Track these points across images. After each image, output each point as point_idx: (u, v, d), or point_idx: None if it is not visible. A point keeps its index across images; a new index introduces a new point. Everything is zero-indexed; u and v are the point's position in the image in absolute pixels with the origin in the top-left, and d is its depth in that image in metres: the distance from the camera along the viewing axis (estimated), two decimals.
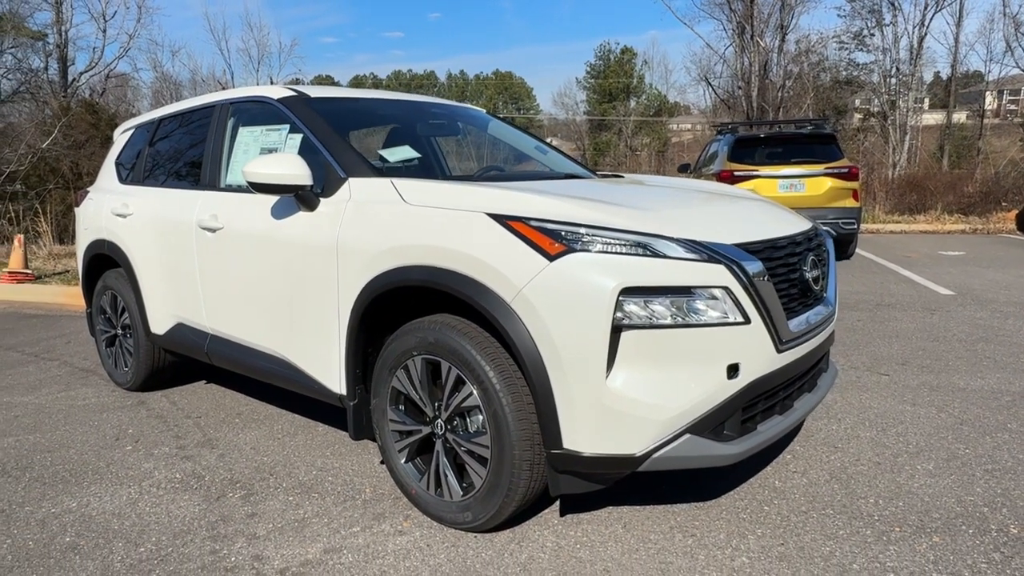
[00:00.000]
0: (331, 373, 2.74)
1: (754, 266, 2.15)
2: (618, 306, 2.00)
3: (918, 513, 2.44)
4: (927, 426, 3.27)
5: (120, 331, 4.17)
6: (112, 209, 4.00)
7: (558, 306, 2.04)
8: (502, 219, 2.18)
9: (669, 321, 2.04)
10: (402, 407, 2.53)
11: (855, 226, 8.43)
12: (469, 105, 4.22)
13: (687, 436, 2.09)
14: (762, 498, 2.59)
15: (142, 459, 3.17)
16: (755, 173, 8.25)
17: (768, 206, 2.85)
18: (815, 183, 8.36)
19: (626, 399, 2.03)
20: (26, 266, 8.53)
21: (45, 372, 4.76)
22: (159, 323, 3.76)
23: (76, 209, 4.48)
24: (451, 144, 4.02)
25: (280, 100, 3.13)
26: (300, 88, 3.23)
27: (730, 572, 2.13)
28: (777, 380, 2.28)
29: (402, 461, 2.56)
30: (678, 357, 2.07)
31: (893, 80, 25.18)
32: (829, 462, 2.89)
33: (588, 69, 65.55)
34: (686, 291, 2.05)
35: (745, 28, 25.70)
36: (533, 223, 2.14)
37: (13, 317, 6.96)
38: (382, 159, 2.93)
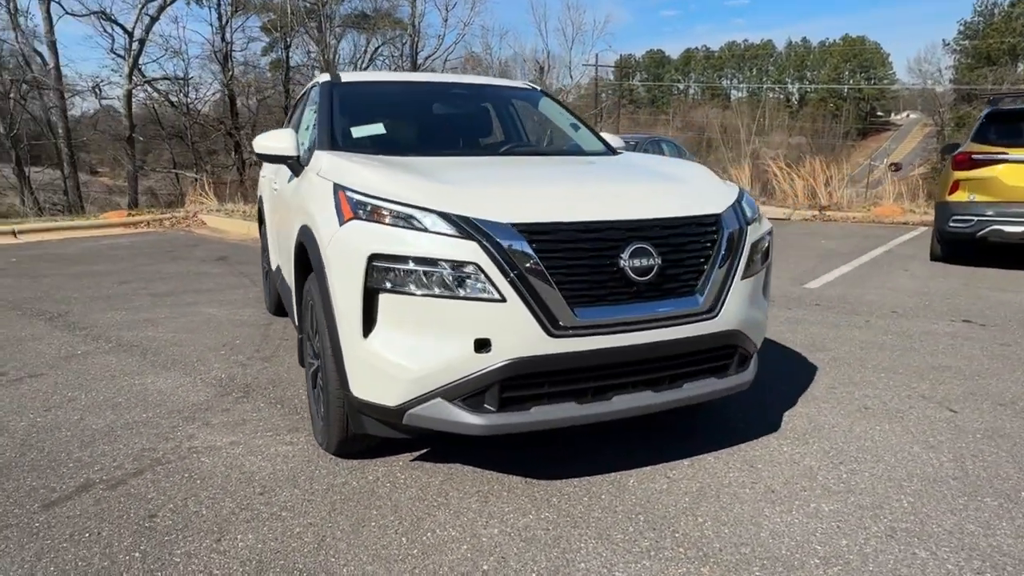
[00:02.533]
0: (293, 311, 3.37)
1: (517, 246, 2.17)
2: (371, 271, 2.23)
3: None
4: None
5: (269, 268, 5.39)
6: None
7: (339, 266, 2.35)
8: (336, 188, 2.52)
9: (418, 290, 2.20)
10: (309, 342, 3.03)
11: None
12: (521, 84, 4.40)
13: (437, 400, 2.24)
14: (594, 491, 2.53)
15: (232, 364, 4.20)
16: (1001, 156, 6.53)
17: (649, 186, 2.72)
18: None
19: (378, 356, 2.26)
20: None
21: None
22: (272, 263, 4.81)
23: None
24: (504, 120, 4.26)
25: (321, 84, 3.79)
26: (341, 74, 3.85)
27: (475, 537, 2.23)
28: (561, 365, 2.24)
29: (312, 388, 3.07)
30: (426, 325, 2.22)
31: None
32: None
33: (961, 29, 55.14)
34: (435, 263, 2.18)
35: None
36: (348, 192, 2.45)
37: None
38: (348, 135, 3.40)
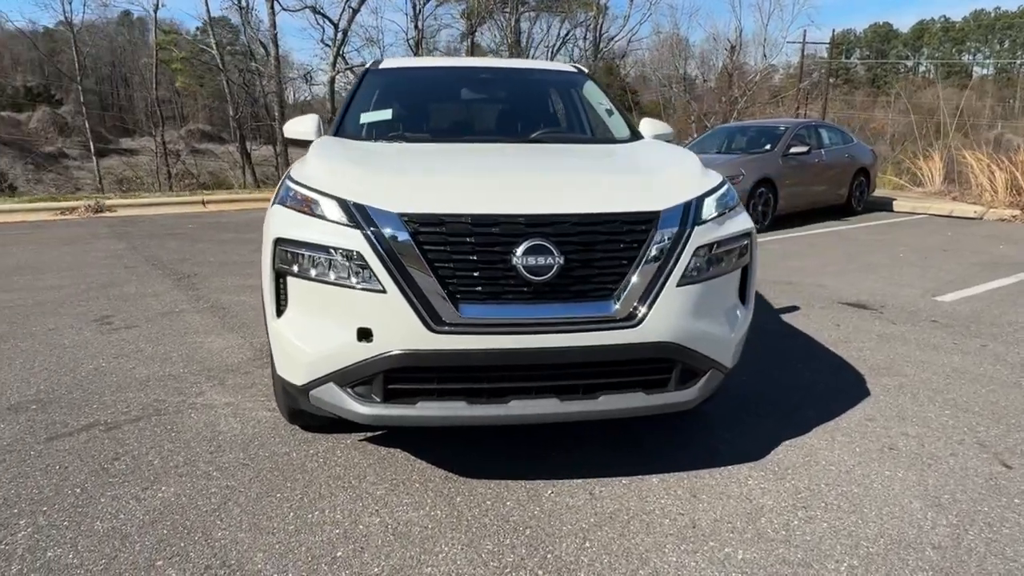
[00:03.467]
0: None
1: (400, 236, 2.13)
2: (277, 254, 2.32)
3: None
4: None
5: None
6: None
7: (263, 249, 2.47)
8: (288, 177, 2.64)
9: (314, 275, 2.25)
10: None
11: None
12: (566, 67, 4.19)
13: (330, 384, 2.28)
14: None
15: None
16: None
17: (581, 178, 2.52)
18: None
19: (285, 337, 2.35)
20: None
21: None
22: None
23: None
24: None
25: (364, 70, 3.95)
26: (386, 60, 3.99)
27: (353, 524, 2.26)
28: (443, 362, 2.18)
29: None
30: (321, 310, 2.26)
31: None
32: None
33: None
34: (326, 250, 2.21)
35: None
36: (288, 178, 2.55)
37: None
38: (356, 120, 3.49)
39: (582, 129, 3.76)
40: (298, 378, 2.35)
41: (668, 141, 3.73)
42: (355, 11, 25.09)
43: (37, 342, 4.18)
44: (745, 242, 2.51)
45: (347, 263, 2.18)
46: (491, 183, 2.41)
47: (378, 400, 2.24)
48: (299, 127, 3.44)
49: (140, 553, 2.09)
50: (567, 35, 30.55)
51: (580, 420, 2.33)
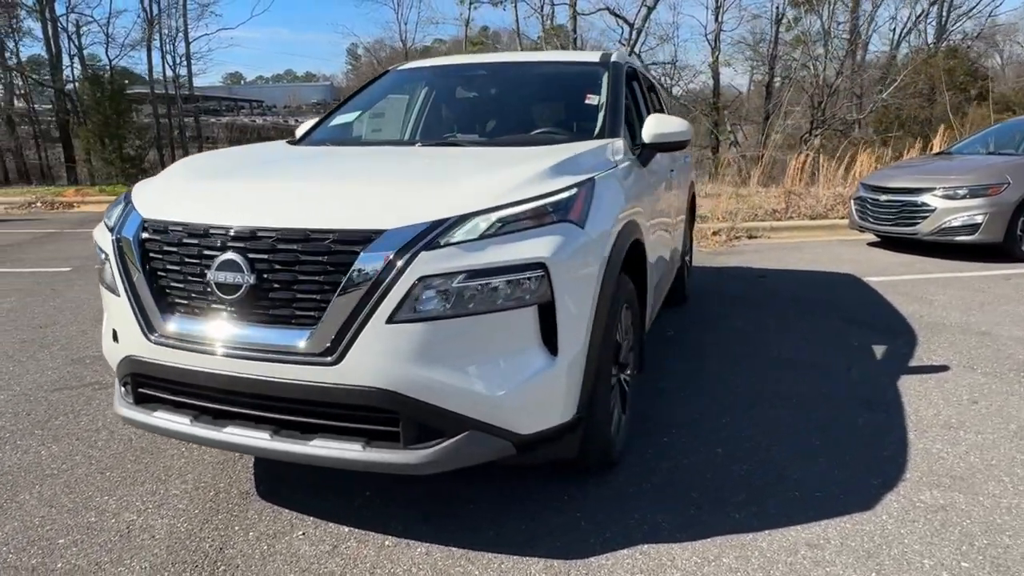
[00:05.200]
0: None
1: (132, 242, 2.14)
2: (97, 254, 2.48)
3: None
4: None
5: None
6: None
7: None
8: None
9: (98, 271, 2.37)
10: None
11: None
12: (589, 56, 3.55)
13: (117, 379, 2.37)
14: None
15: None
16: None
17: (350, 185, 2.23)
18: None
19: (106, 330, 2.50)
20: None
21: None
22: None
23: None
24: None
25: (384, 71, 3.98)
26: (409, 63, 3.95)
27: (100, 514, 2.33)
28: (153, 373, 2.13)
29: None
30: (105, 307, 2.37)
31: None
32: None
33: None
34: (101, 251, 2.30)
35: None
36: None
37: None
38: (327, 124, 3.44)
39: (567, 127, 3.21)
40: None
41: (676, 143, 3.02)
42: (650, 9, 24.89)
43: None
44: (531, 274, 1.91)
45: (104, 264, 2.25)
46: (257, 192, 2.23)
47: (131, 402, 2.26)
48: (300, 130, 3.59)
49: None
50: (920, 15, 25.80)
51: (294, 462, 2.04)
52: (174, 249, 2.07)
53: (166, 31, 27.66)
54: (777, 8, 25.43)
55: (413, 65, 3.86)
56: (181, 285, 2.06)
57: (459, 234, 1.89)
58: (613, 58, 3.52)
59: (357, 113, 3.49)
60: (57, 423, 3.06)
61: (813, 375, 3.63)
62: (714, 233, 8.49)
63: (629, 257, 2.64)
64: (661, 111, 4.90)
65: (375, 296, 1.83)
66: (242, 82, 65.25)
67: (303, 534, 2.20)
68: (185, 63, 28.60)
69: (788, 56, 26.68)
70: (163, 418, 2.17)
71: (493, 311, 1.90)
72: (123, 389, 2.30)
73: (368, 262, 1.85)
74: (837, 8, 24.39)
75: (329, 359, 1.87)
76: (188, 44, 28.28)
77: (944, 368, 3.74)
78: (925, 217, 6.86)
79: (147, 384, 2.21)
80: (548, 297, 1.95)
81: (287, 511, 2.33)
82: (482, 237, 1.90)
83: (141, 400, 2.24)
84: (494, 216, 1.93)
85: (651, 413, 3.13)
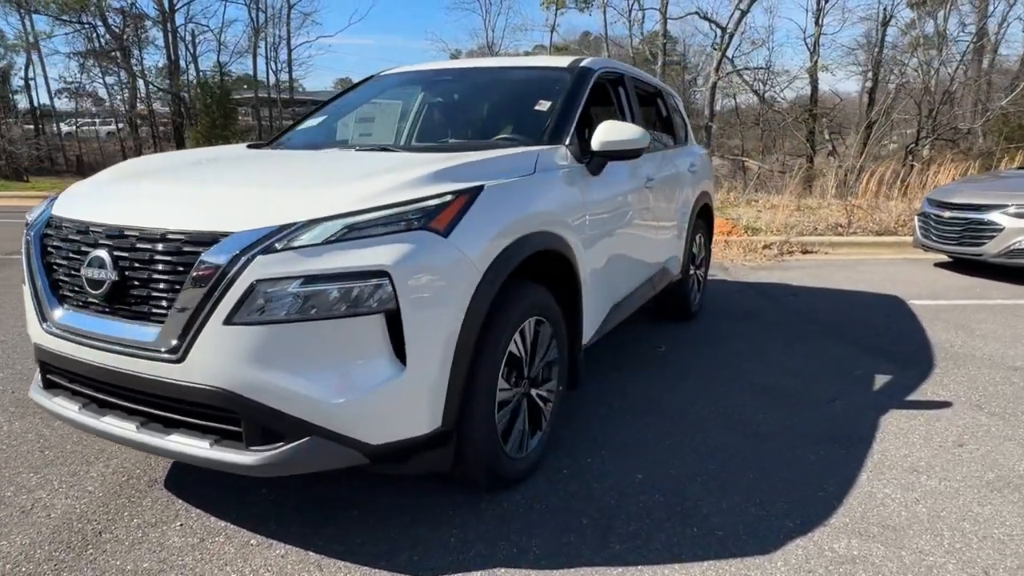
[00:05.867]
0: None
1: (37, 235, 2.28)
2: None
3: None
4: None
5: None
6: None
7: None
8: None
9: None
10: None
11: None
12: (557, 62, 3.42)
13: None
14: None
15: None
16: None
17: (216, 188, 2.27)
18: None
19: None
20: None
21: None
22: None
23: None
24: None
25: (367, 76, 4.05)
26: (398, 67, 3.99)
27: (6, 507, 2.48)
28: (45, 359, 2.25)
29: None
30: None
31: None
32: None
33: None
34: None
35: None
36: None
37: None
38: (294, 128, 3.52)
39: (523, 133, 3.12)
40: None
41: (628, 151, 2.90)
42: (744, 12, 24.02)
43: None
44: (375, 282, 1.88)
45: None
46: (141, 193, 2.32)
47: (41, 387, 2.40)
48: None
49: None
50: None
51: (154, 455, 2.10)
52: (62, 244, 2.20)
53: (270, 39, 29.45)
54: (885, 9, 23.83)
55: (396, 71, 3.90)
56: (67, 279, 2.19)
57: (302, 239, 1.89)
58: (583, 63, 3.42)
59: (323, 118, 3.56)
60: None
61: (788, 404, 3.36)
62: (765, 247, 8.06)
63: (542, 269, 2.56)
64: (671, 120, 4.72)
65: (213, 297, 1.86)
66: None
67: (181, 525, 2.26)
68: (287, 69, 30.30)
69: (897, 61, 25.00)
70: (59, 404, 2.29)
71: (334, 317, 1.88)
72: (37, 374, 2.45)
73: (208, 263, 1.88)
74: (964, 8, 22.58)
75: (174, 357, 1.92)
76: (290, 51, 29.94)
77: (945, 404, 3.38)
78: (992, 237, 6.21)
79: (51, 371, 2.35)
80: (394, 306, 1.91)
81: (180, 502, 2.40)
82: (326, 242, 1.89)
83: (48, 386, 2.38)
84: (340, 223, 1.92)
85: (592, 433, 3.01)
